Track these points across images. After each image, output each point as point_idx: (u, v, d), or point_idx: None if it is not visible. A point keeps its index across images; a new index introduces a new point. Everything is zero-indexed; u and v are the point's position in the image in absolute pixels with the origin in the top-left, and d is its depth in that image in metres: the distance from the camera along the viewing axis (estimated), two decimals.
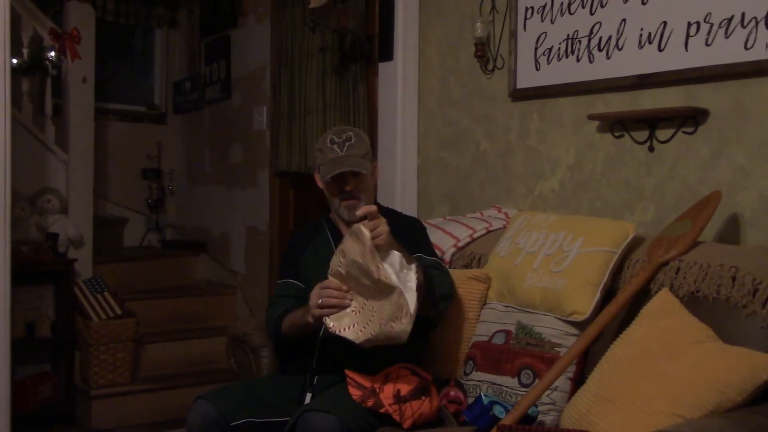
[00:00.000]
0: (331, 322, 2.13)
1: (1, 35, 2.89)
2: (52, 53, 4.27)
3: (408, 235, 2.45)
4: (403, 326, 1.99)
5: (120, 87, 5.55)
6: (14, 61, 4.04)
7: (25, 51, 4.27)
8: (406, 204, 3.50)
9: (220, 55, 4.99)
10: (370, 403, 2.17)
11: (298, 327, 2.36)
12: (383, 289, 2.03)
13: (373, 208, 2.19)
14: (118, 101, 5.49)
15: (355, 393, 2.21)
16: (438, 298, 2.32)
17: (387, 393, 2.17)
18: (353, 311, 2.12)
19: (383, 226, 2.13)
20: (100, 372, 3.90)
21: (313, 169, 2.63)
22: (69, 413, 3.93)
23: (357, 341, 2.09)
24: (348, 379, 2.24)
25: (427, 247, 2.54)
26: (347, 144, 2.42)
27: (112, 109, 5.39)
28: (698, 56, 2.41)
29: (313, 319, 2.23)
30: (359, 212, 2.17)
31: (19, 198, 4.20)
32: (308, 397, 2.37)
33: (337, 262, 2.13)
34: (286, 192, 4.37)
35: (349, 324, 2.11)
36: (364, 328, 2.08)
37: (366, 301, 2.10)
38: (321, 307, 2.16)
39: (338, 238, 2.47)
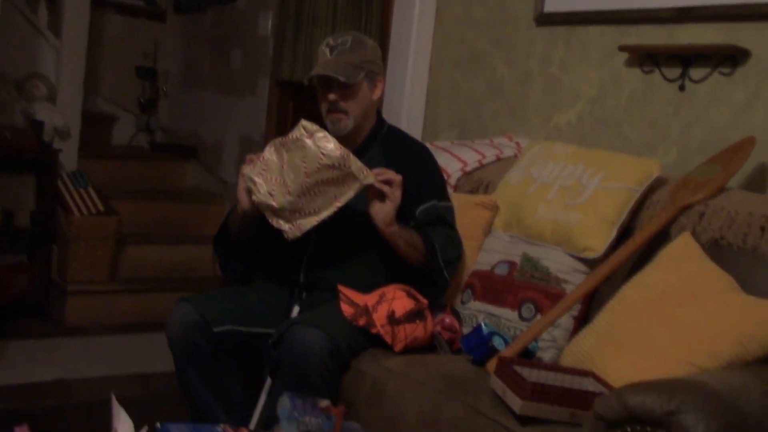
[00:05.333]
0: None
1: None
2: None
3: (416, 168, 2.28)
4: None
5: None
6: None
7: None
8: (411, 126, 3.34)
9: None
10: (361, 322, 2.06)
11: (236, 216, 2.24)
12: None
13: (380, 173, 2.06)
14: None
15: (347, 310, 2.09)
16: (443, 266, 2.18)
17: (380, 313, 2.06)
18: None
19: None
20: (78, 268, 3.77)
21: None
22: (43, 308, 3.81)
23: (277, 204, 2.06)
24: (341, 295, 2.13)
25: (438, 185, 2.34)
26: (339, 48, 2.19)
27: (110, 1, 5.13)
28: None
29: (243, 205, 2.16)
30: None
31: (5, 80, 4.01)
32: (296, 310, 2.26)
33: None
34: (286, 103, 4.19)
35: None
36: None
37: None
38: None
39: None
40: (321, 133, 2.01)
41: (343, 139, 2.27)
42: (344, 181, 2.03)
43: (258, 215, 2.18)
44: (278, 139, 2.07)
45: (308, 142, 1.99)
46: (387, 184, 2.05)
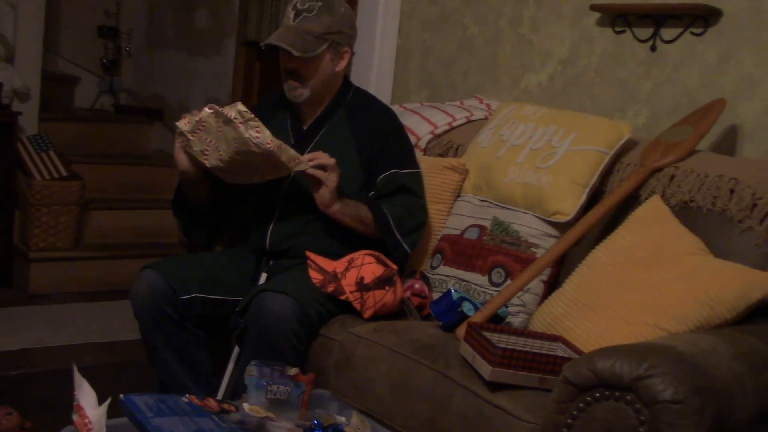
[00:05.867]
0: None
1: None
2: None
3: (380, 134, 2.23)
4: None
5: None
6: None
7: None
8: (380, 87, 3.28)
9: None
10: (330, 289, 2.03)
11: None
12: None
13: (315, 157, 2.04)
14: None
15: (315, 277, 2.06)
16: (400, 239, 2.16)
17: (349, 279, 2.03)
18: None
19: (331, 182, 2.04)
20: (40, 234, 3.69)
21: None
22: (5, 275, 3.72)
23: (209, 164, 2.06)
24: (309, 262, 2.09)
25: (401, 151, 2.26)
26: (304, 15, 2.11)
27: None
28: None
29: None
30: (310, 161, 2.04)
31: None
32: (263, 277, 2.22)
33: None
34: (253, 63, 4.10)
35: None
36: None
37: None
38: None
39: (295, 117, 2.27)
40: (255, 122, 1.95)
41: (304, 104, 2.23)
42: (276, 165, 2.02)
43: (200, 177, 2.15)
44: (217, 107, 2.01)
45: (241, 127, 1.94)
46: (321, 169, 2.02)
